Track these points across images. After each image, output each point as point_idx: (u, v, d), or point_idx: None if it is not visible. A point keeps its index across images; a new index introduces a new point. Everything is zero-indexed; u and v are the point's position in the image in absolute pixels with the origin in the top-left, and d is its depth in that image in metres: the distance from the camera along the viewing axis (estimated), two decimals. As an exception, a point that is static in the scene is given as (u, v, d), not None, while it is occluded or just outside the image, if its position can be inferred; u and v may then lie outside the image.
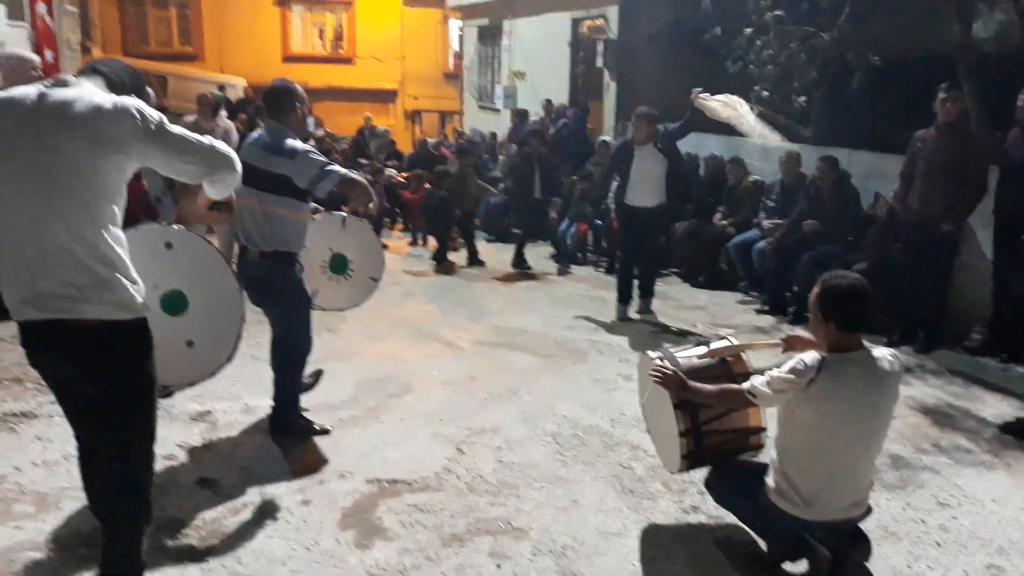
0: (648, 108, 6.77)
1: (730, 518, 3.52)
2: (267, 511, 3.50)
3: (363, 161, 12.70)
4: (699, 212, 8.48)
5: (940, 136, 5.74)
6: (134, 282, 2.52)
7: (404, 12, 21.47)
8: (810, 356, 2.83)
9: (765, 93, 8.51)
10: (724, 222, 8.09)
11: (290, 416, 4.23)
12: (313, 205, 4.27)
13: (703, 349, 3.43)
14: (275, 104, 3.98)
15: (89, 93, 2.44)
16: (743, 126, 6.22)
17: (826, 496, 2.87)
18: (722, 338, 3.54)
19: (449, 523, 3.47)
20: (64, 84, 2.46)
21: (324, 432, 4.27)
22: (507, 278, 8.36)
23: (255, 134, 4.07)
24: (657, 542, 3.37)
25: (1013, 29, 7.94)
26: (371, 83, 21.22)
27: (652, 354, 3.42)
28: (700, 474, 3.92)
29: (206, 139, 2.64)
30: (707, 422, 3.25)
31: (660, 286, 8.15)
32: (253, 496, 3.61)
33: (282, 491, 3.67)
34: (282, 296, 4.03)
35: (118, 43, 19.69)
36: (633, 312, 6.89)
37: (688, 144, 9.78)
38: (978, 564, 3.25)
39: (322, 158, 3.86)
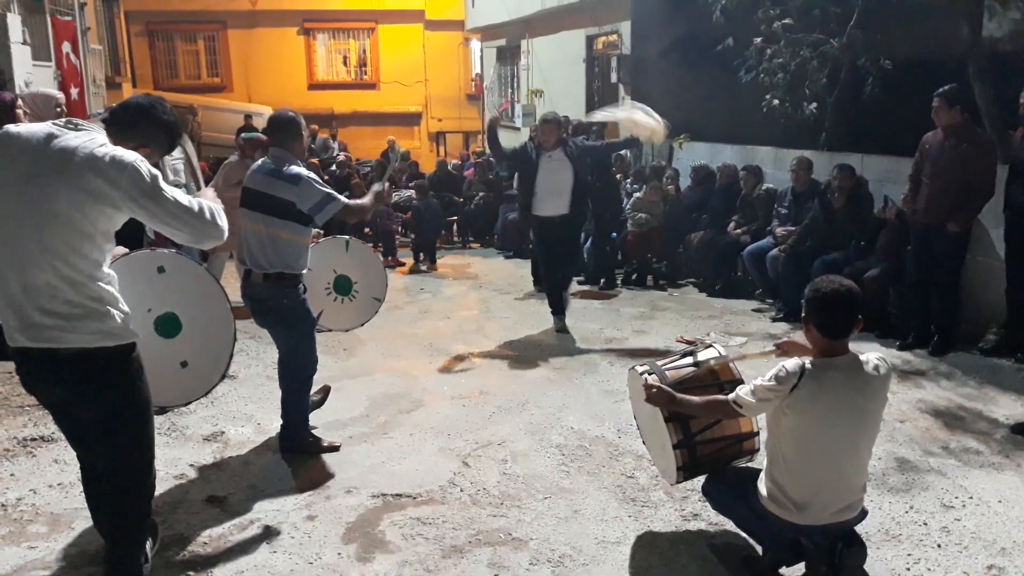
0: (554, 113, 6.69)
1: (730, 524, 3.52)
2: (272, 527, 3.57)
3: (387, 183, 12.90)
4: (714, 221, 8.48)
5: (946, 138, 5.71)
6: (122, 312, 2.62)
7: (426, 36, 21.77)
8: (792, 363, 2.84)
9: (776, 101, 8.48)
10: (738, 231, 8.08)
11: (300, 434, 4.32)
12: (316, 230, 4.39)
13: (689, 360, 3.43)
14: (279, 132, 4.12)
15: (92, 144, 2.50)
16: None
17: (817, 501, 2.86)
18: (708, 346, 3.55)
19: (450, 535, 3.52)
20: (75, 127, 2.56)
21: (333, 449, 4.35)
22: (523, 294, 8.40)
23: (258, 162, 4.21)
24: (655, 550, 3.38)
25: (1027, 27, 7.89)
26: (395, 107, 21.52)
27: (640, 368, 3.43)
28: (703, 482, 3.95)
29: (195, 204, 2.66)
30: (699, 432, 3.25)
31: (676, 295, 8.18)
32: (260, 513, 3.69)
33: (288, 507, 3.75)
34: (287, 317, 4.13)
35: (148, 77, 20.23)
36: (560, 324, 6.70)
37: (701, 154, 9.84)
38: (979, 565, 3.22)
39: (325, 187, 4.00)
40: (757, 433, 3.33)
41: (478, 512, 3.71)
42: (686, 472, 3.30)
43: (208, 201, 2.76)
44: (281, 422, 4.31)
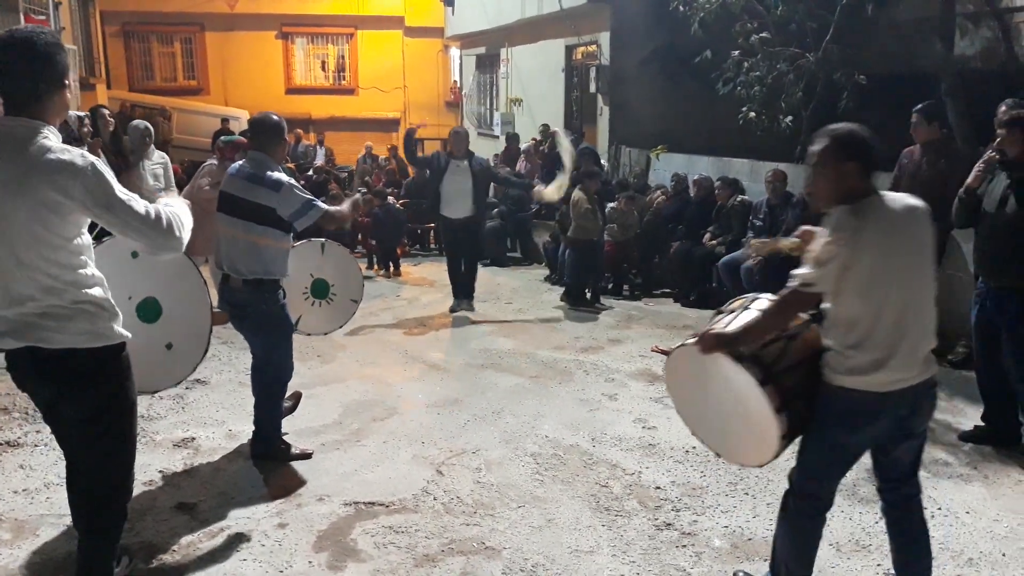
0: (463, 128, 7.75)
1: (701, 532, 3.54)
2: (243, 534, 3.53)
3: (362, 190, 12.86)
4: (689, 232, 8.53)
5: (924, 153, 5.79)
6: (112, 312, 2.60)
7: (405, 42, 21.75)
8: (841, 209, 2.63)
9: (753, 114, 8.57)
10: (714, 242, 8.13)
11: (272, 440, 4.27)
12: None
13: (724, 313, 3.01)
14: (263, 135, 4.09)
15: (40, 152, 2.39)
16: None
17: (901, 347, 2.60)
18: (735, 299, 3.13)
19: (423, 544, 3.49)
20: (19, 129, 2.42)
21: (306, 456, 4.31)
22: (497, 302, 8.39)
23: (237, 164, 4.18)
24: (627, 559, 3.38)
25: (998, 45, 8.04)
26: (373, 112, 21.46)
27: (687, 343, 2.95)
28: (676, 492, 3.97)
29: (153, 212, 2.54)
30: (775, 362, 2.77)
31: (652, 306, 8.23)
32: (230, 520, 3.65)
33: (260, 515, 3.71)
34: (265, 322, 4.09)
35: (123, 78, 20.04)
36: (464, 309, 7.65)
37: (678, 165, 9.92)
38: (947, 575, 3.25)
39: (306, 194, 3.99)
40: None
41: (451, 521, 3.69)
42: (788, 417, 2.72)
43: (171, 209, 2.63)
44: (253, 428, 4.27)
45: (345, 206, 4.24)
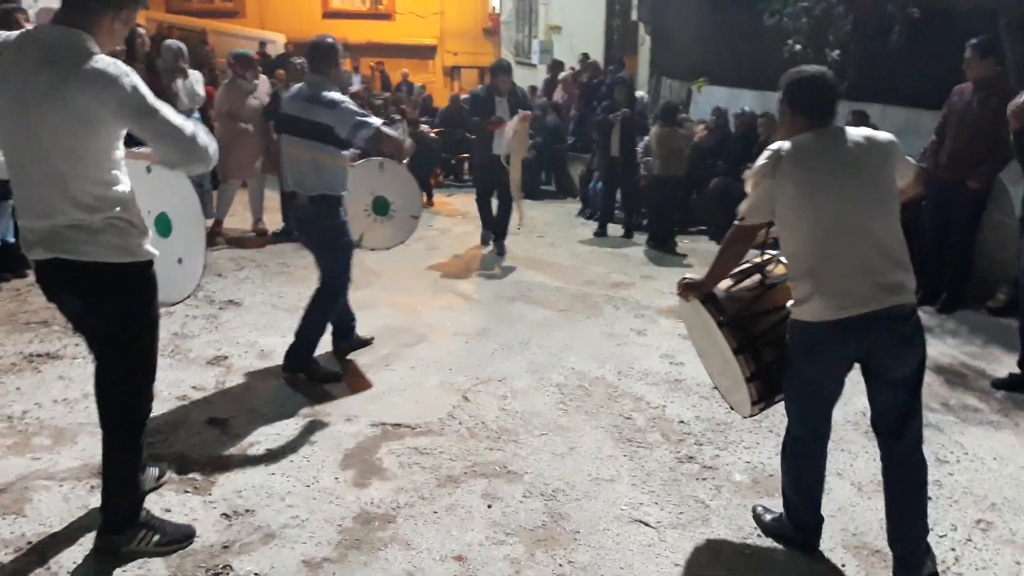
0: (508, 63, 7.63)
1: (723, 467, 3.56)
2: (272, 450, 3.62)
3: (396, 117, 12.76)
4: (729, 168, 8.37)
5: (975, 91, 5.58)
6: (141, 229, 2.63)
7: (444, -34, 21.33)
8: (773, 144, 2.77)
9: (799, 47, 8.28)
10: (753, 179, 7.98)
11: (306, 354, 4.38)
12: (353, 151, 4.53)
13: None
14: (319, 59, 4.26)
15: (77, 60, 2.38)
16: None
17: (838, 272, 2.61)
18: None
19: (447, 465, 3.56)
20: (58, 36, 2.41)
21: (335, 377, 4.39)
22: (529, 236, 8.36)
23: (295, 88, 4.38)
24: (647, 488, 3.41)
25: (1063, -21, 7.64)
26: (410, 39, 21.17)
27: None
28: (700, 427, 3.98)
29: (188, 126, 2.54)
30: (747, 306, 2.95)
31: (687, 243, 8.14)
32: (260, 436, 3.74)
33: (289, 432, 3.79)
34: (328, 236, 4.30)
35: (160, 0, 19.88)
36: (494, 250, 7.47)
37: (720, 99, 9.68)
38: (968, 519, 3.24)
39: (359, 112, 4.10)
40: None
41: (475, 445, 3.75)
42: (747, 359, 2.89)
43: (200, 126, 2.66)
44: (292, 341, 4.36)
45: (407, 140, 4.45)
